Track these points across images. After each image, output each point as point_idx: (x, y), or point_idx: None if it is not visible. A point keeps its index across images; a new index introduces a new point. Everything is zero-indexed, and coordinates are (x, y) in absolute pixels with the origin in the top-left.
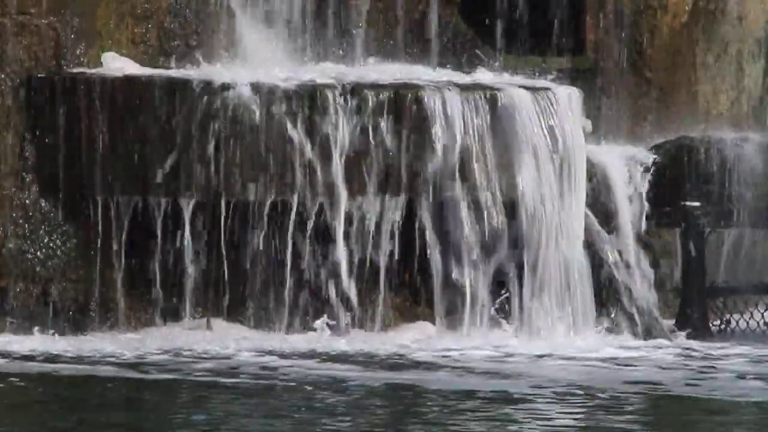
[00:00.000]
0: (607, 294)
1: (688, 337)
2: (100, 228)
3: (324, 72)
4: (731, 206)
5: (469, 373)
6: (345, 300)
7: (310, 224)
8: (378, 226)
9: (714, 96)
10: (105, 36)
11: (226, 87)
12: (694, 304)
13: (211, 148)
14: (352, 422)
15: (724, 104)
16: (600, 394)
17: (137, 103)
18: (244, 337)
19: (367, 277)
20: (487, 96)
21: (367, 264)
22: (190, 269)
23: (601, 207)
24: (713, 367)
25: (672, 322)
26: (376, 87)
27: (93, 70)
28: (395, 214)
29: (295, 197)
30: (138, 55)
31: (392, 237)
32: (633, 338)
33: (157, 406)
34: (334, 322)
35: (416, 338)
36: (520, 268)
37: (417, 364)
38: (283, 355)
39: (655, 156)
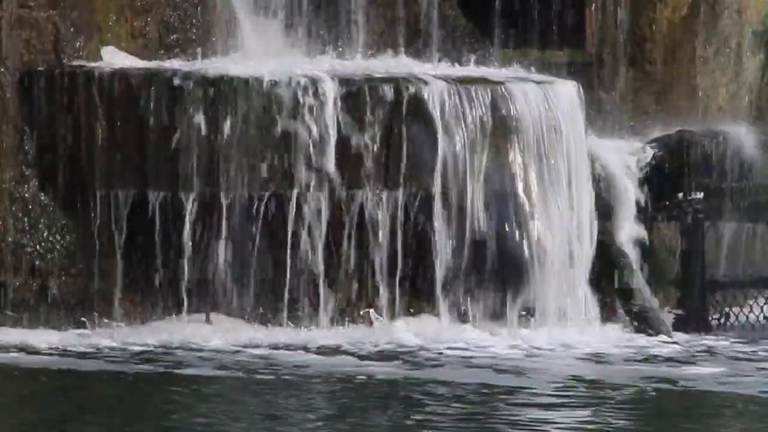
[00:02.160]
0: (606, 288)
1: (688, 330)
2: (99, 222)
3: (322, 65)
4: (730, 200)
5: None
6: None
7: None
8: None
9: (713, 89)
10: (104, 29)
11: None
12: (694, 298)
13: None
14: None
15: (723, 98)
16: (600, 389)
17: (136, 96)
18: (243, 331)
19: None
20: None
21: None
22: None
23: (601, 200)
24: (713, 360)
25: (671, 316)
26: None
27: (92, 64)
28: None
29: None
30: (137, 48)
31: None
32: (632, 332)
33: (156, 401)
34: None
35: None
36: None
37: None
38: (283, 348)
39: (655, 149)
